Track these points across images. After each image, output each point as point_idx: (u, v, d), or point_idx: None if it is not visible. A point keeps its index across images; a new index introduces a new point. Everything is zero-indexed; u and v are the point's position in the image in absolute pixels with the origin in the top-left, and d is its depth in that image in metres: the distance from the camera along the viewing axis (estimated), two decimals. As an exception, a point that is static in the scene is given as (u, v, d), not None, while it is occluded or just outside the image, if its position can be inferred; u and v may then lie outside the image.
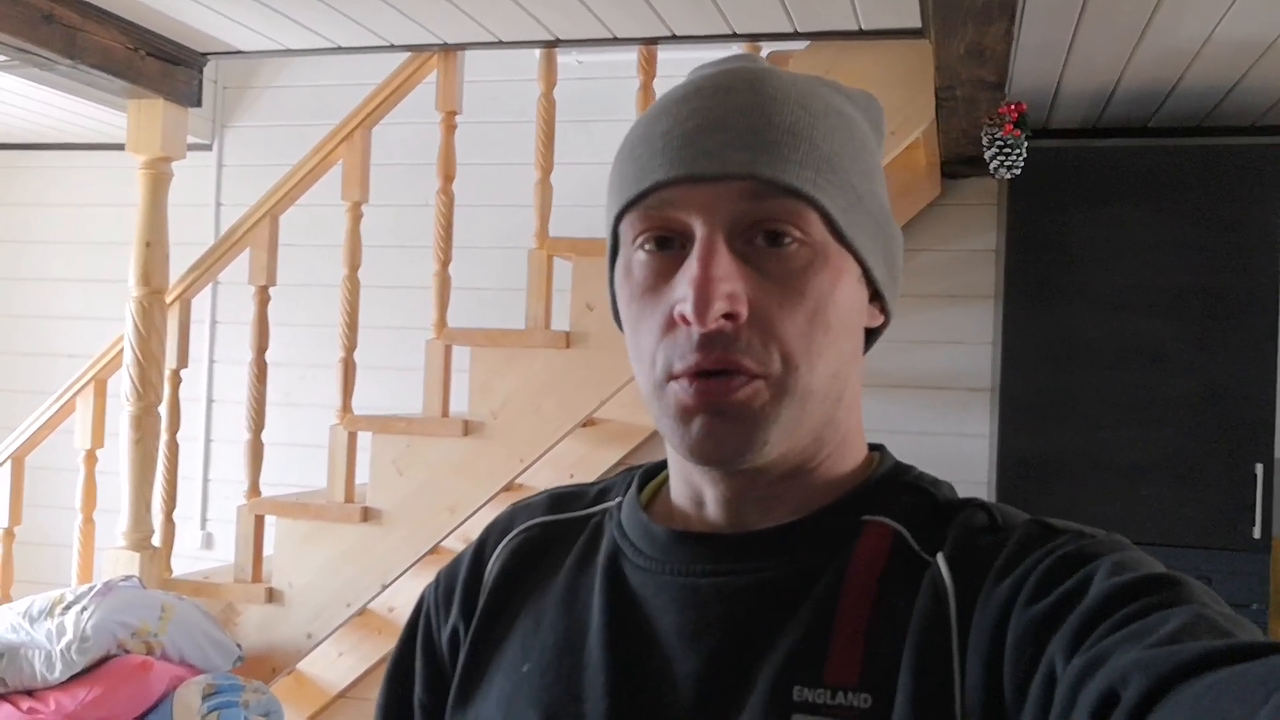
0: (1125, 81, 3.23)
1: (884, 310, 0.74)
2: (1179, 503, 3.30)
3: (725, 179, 0.64)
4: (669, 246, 0.66)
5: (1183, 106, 3.45)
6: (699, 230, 0.64)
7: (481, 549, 0.81)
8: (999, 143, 3.01)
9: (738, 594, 0.67)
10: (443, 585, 0.81)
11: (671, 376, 0.65)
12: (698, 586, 0.68)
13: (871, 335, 0.75)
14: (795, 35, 2.90)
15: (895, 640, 0.62)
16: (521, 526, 0.81)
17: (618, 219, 0.69)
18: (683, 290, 0.63)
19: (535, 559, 0.78)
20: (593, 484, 0.83)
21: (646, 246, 0.67)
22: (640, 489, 0.78)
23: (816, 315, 0.65)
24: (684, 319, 0.63)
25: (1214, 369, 3.30)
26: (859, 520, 0.69)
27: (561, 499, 0.82)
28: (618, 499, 0.79)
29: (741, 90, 0.67)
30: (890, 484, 0.72)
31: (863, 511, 0.70)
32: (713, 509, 0.72)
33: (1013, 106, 3.00)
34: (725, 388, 0.64)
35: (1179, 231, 3.35)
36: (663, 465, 0.80)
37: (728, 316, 0.63)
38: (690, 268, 0.64)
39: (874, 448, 0.77)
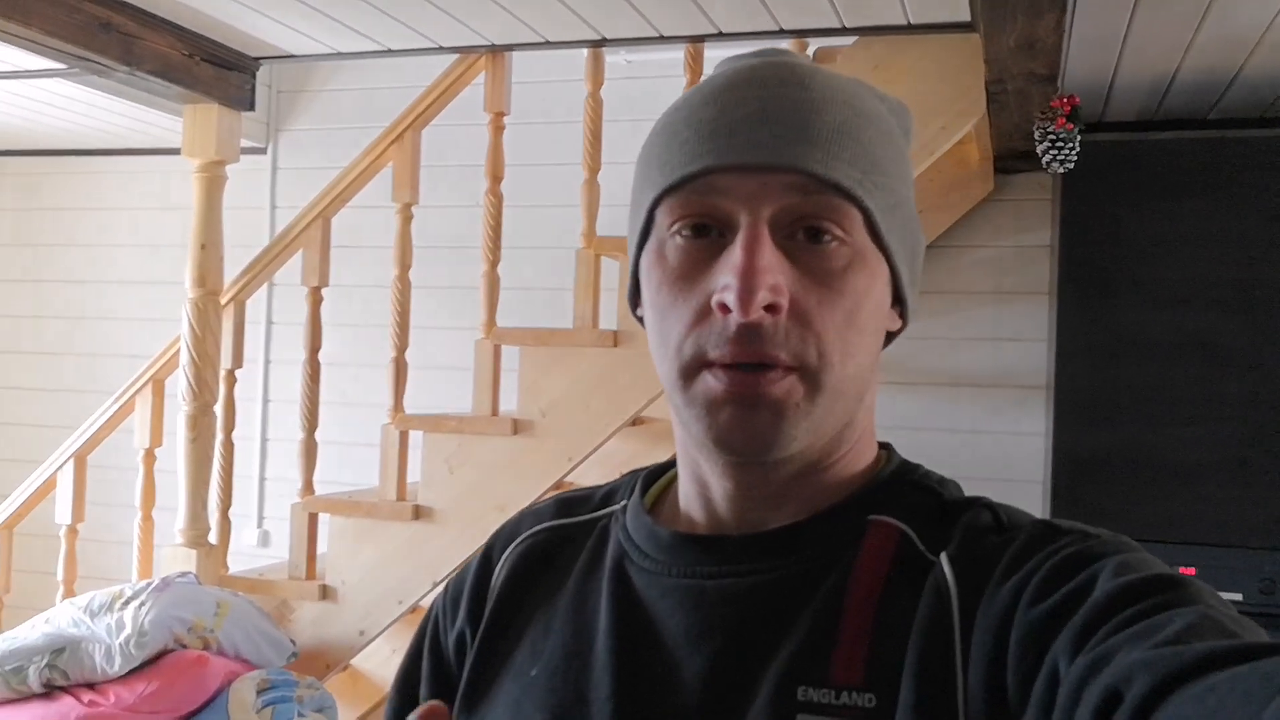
0: (1183, 72, 3.16)
1: (902, 315, 0.74)
2: (1239, 502, 3.22)
3: (775, 171, 0.64)
4: (706, 234, 0.66)
5: (1243, 97, 3.37)
6: (743, 220, 0.64)
7: (488, 555, 0.81)
8: (1051, 137, 2.97)
9: (743, 595, 0.67)
10: (450, 592, 0.82)
11: (704, 364, 0.65)
12: (703, 588, 0.69)
13: (887, 339, 0.75)
14: (843, 30, 2.87)
15: (899, 640, 0.62)
16: (528, 532, 0.81)
17: (655, 202, 0.68)
18: (725, 279, 0.63)
19: (543, 564, 0.78)
20: (598, 487, 0.83)
21: (684, 232, 0.66)
22: (644, 491, 0.78)
23: (853, 315, 0.66)
24: (724, 308, 0.63)
25: (1275, 364, 3.22)
26: (865, 520, 0.69)
27: (568, 503, 0.82)
28: (623, 502, 0.79)
29: (792, 85, 0.67)
30: (897, 483, 0.72)
31: (869, 511, 0.70)
32: (721, 505, 0.71)
33: (1065, 100, 2.95)
34: (759, 381, 0.64)
35: (1239, 225, 3.28)
36: (665, 467, 0.80)
37: (769, 309, 0.63)
38: (734, 256, 0.63)
39: (881, 446, 0.77)
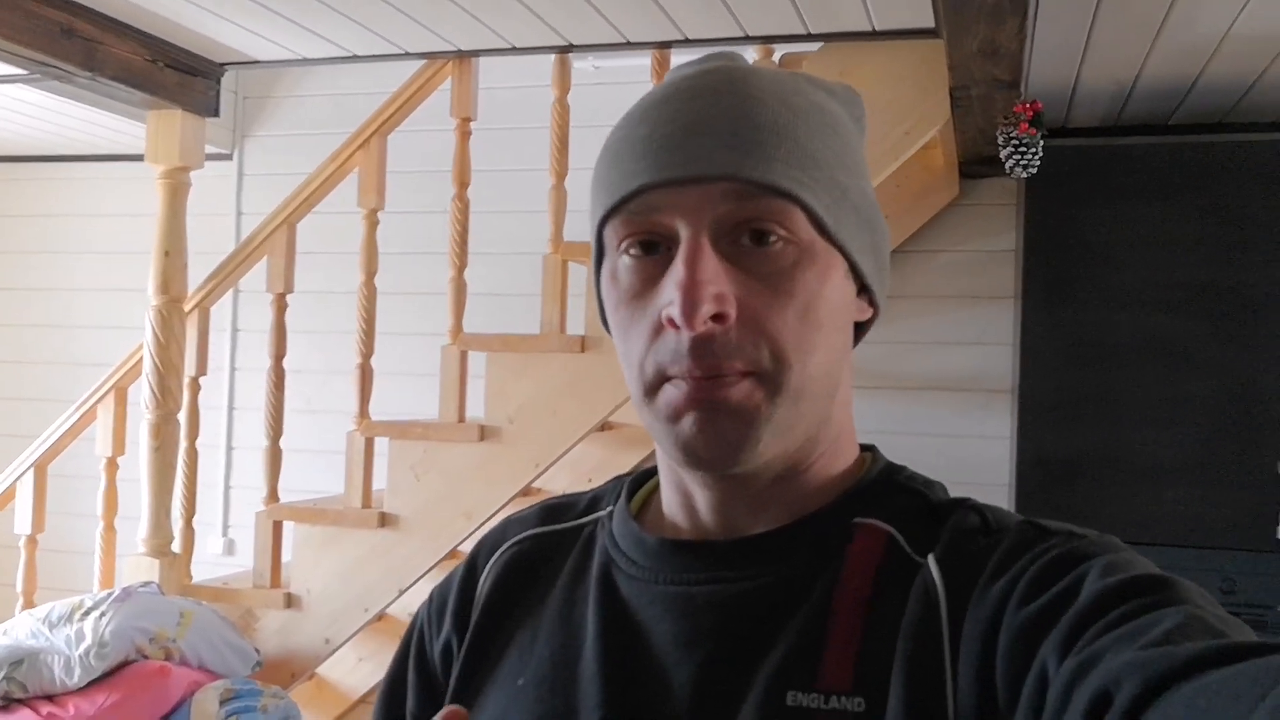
0: (1144, 78, 3.20)
1: (872, 303, 0.73)
2: (1201, 503, 3.26)
3: (709, 181, 0.64)
4: (654, 251, 0.66)
5: (1203, 103, 3.42)
6: (684, 233, 0.64)
7: (474, 564, 0.81)
8: (1014, 142, 3.00)
9: (730, 601, 0.67)
10: (435, 601, 0.81)
11: (665, 378, 0.65)
12: (690, 595, 0.68)
13: (861, 329, 0.75)
14: (808, 37, 2.89)
15: (888, 643, 0.62)
16: (513, 540, 0.80)
17: (601, 224, 0.69)
18: (669, 294, 0.63)
19: (529, 572, 0.78)
20: (583, 494, 0.83)
21: (631, 251, 0.67)
22: (630, 497, 0.78)
23: (807, 313, 0.65)
24: (672, 323, 0.63)
25: (1236, 367, 3.26)
26: (851, 523, 0.69)
27: (553, 510, 0.82)
28: (609, 508, 0.78)
29: (723, 91, 0.66)
30: (882, 485, 0.72)
31: (855, 514, 0.69)
32: (705, 513, 0.71)
33: (1028, 105, 2.98)
34: (716, 386, 0.64)
35: (1200, 229, 3.32)
36: (651, 473, 0.79)
37: (716, 318, 0.63)
38: (676, 271, 0.63)
39: (866, 448, 0.77)
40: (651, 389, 0.66)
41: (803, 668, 0.63)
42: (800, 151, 0.65)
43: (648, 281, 0.66)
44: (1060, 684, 0.52)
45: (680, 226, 0.64)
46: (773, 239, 0.65)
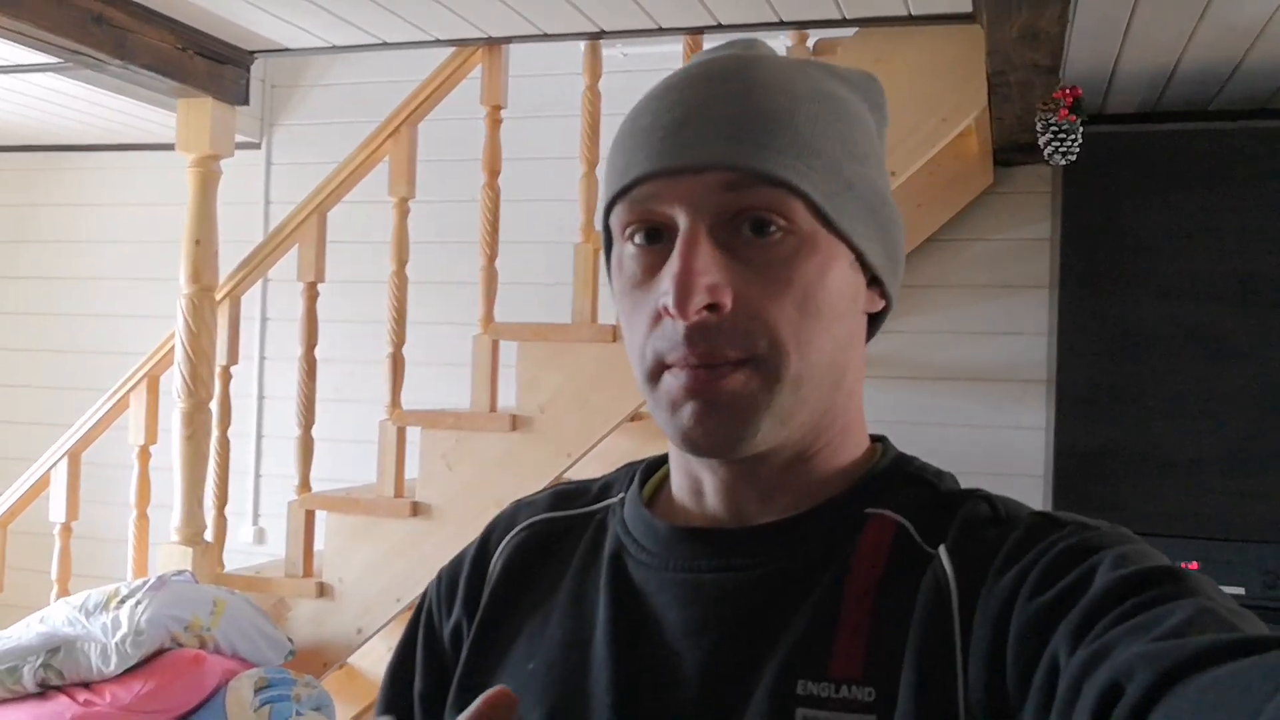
0: (1185, 63, 3.14)
1: (884, 295, 0.73)
2: (1242, 496, 3.20)
3: (705, 170, 0.64)
4: (658, 239, 0.67)
5: (1245, 88, 3.36)
6: (681, 223, 0.65)
7: (485, 545, 0.81)
8: (1054, 128, 2.95)
9: (740, 589, 0.68)
10: (445, 581, 0.82)
11: (664, 366, 0.66)
12: (700, 582, 0.69)
13: (875, 321, 0.75)
14: (843, 22, 2.86)
15: (898, 633, 0.63)
16: (525, 523, 0.81)
17: (607, 212, 0.70)
18: (665, 284, 0.64)
19: (540, 556, 0.78)
20: (595, 480, 0.83)
21: (635, 240, 0.68)
22: (642, 484, 0.78)
23: (806, 302, 0.65)
24: (668, 312, 0.64)
25: (1277, 357, 3.20)
26: (862, 513, 0.69)
27: (564, 495, 0.82)
28: (620, 495, 0.79)
29: (724, 79, 0.67)
30: (893, 476, 0.72)
31: (865, 504, 0.70)
32: (712, 500, 0.72)
33: (1068, 91, 2.93)
34: (715, 376, 0.64)
35: (1241, 217, 3.26)
36: (664, 460, 0.80)
37: (711, 308, 0.63)
38: (672, 261, 0.64)
39: (876, 439, 0.77)
40: (652, 376, 0.67)
41: (813, 656, 0.63)
42: (800, 140, 0.65)
43: (649, 270, 0.67)
44: (1071, 675, 0.52)
45: (679, 216, 0.65)
46: (772, 229, 0.65)
